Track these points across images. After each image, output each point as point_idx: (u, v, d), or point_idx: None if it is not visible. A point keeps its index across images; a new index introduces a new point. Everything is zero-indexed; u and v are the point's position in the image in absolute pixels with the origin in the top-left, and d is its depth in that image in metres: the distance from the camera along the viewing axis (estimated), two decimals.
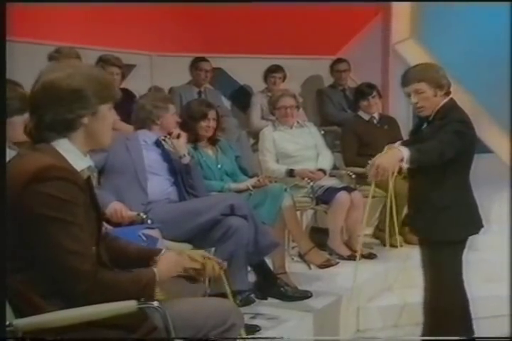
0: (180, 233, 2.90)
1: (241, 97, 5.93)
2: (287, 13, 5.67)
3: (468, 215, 2.79)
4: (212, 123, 3.59)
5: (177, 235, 2.88)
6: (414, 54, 5.73)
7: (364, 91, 4.65)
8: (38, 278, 1.64)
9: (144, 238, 2.63)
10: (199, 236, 2.92)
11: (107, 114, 1.78)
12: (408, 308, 3.36)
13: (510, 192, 4.53)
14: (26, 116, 1.83)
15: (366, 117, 4.67)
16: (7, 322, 1.60)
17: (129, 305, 1.67)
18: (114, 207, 2.89)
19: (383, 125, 4.66)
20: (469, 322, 2.84)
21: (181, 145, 3.23)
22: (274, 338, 2.76)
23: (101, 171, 3.09)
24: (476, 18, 5.63)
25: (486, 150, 5.51)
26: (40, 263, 1.63)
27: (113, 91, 1.79)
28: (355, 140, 4.53)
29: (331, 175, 4.35)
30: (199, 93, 5.35)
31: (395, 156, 2.55)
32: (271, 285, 3.23)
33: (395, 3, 5.91)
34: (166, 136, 3.26)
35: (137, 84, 4.88)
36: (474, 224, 2.82)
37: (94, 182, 1.90)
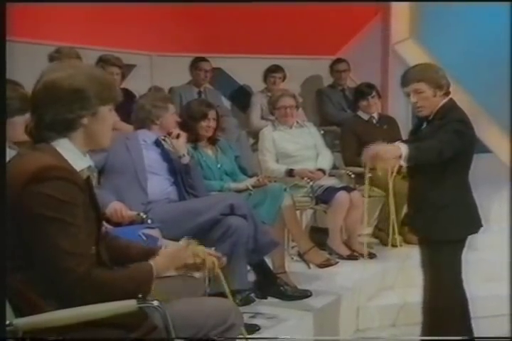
0: (180, 232, 2.89)
1: (241, 97, 5.94)
2: (287, 13, 5.67)
3: (467, 215, 2.79)
4: (212, 123, 3.59)
5: (177, 235, 2.87)
6: (413, 54, 5.73)
7: (363, 91, 4.66)
8: (37, 278, 1.64)
9: (144, 237, 2.64)
10: (199, 236, 2.89)
11: (107, 115, 1.78)
12: (407, 308, 3.37)
13: (510, 192, 4.54)
14: (27, 116, 1.84)
15: (365, 117, 4.68)
16: (7, 322, 1.61)
17: (129, 305, 1.67)
18: (114, 207, 2.89)
19: (382, 125, 4.67)
20: (468, 321, 2.84)
21: (181, 145, 3.24)
22: (274, 338, 2.77)
23: (101, 171, 3.09)
24: (475, 18, 5.63)
25: (486, 150, 5.52)
26: (39, 263, 1.63)
27: (114, 92, 1.79)
28: (354, 140, 4.53)
29: (331, 175, 4.36)
30: (199, 93, 5.35)
31: (394, 150, 2.55)
32: (270, 285, 3.23)
33: (394, 3, 5.92)
34: (165, 136, 3.27)
35: (137, 84, 4.89)
36: (473, 223, 2.83)
37: (94, 182, 1.90)
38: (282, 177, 4.09)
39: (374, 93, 4.64)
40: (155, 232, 2.75)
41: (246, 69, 5.78)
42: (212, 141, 3.69)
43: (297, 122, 4.34)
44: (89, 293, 1.64)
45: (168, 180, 3.16)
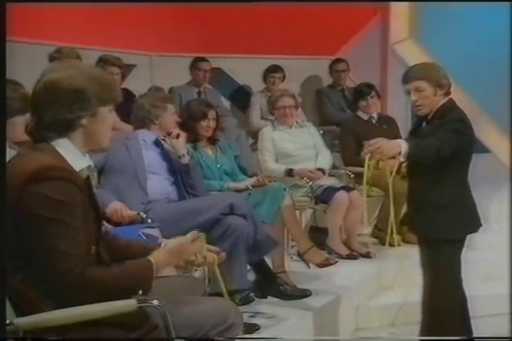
0: (180, 232, 2.87)
1: (240, 97, 5.95)
2: (286, 14, 5.68)
3: (466, 214, 2.80)
4: (212, 123, 3.60)
5: (177, 234, 2.86)
6: (412, 54, 5.74)
7: (363, 91, 4.67)
8: (36, 278, 1.64)
9: (144, 237, 2.64)
10: None
11: (107, 115, 1.77)
12: (407, 307, 3.37)
13: (510, 192, 4.55)
14: (27, 116, 1.84)
15: (365, 117, 4.69)
16: (8, 321, 1.61)
17: (129, 304, 1.67)
18: (114, 207, 2.90)
19: (382, 125, 4.68)
20: (467, 320, 2.85)
21: (180, 145, 3.24)
22: (274, 338, 2.77)
23: (101, 171, 3.09)
24: (474, 19, 5.63)
25: (485, 149, 5.53)
26: (37, 263, 1.63)
27: (114, 93, 1.79)
28: (354, 140, 4.54)
29: (330, 175, 4.36)
30: (199, 93, 5.36)
31: (395, 145, 2.56)
32: (270, 284, 3.23)
33: (393, 4, 5.92)
34: (165, 136, 3.28)
35: (137, 84, 4.89)
36: (473, 223, 2.83)
37: (94, 181, 1.90)
38: (282, 176, 4.10)
39: (373, 93, 4.65)
40: (155, 232, 2.75)
41: (246, 69, 5.79)
42: (212, 140, 3.69)
43: (297, 122, 4.35)
44: (89, 292, 1.64)
45: (168, 180, 3.17)
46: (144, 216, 2.90)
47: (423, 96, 2.74)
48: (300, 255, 3.77)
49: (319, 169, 4.19)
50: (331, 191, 4.03)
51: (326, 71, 5.82)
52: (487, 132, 5.54)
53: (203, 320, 1.84)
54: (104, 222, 2.72)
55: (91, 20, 5.09)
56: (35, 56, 4.21)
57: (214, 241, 2.84)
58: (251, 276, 3.22)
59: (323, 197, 4.05)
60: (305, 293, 3.27)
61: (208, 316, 1.85)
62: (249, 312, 2.95)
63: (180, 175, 3.20)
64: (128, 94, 4.31)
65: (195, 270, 2.68)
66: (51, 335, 1.63)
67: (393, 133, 4.56)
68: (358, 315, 3.58)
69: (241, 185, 3.57)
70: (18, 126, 2.17)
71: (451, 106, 2.78)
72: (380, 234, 4.28)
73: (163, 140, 3.27)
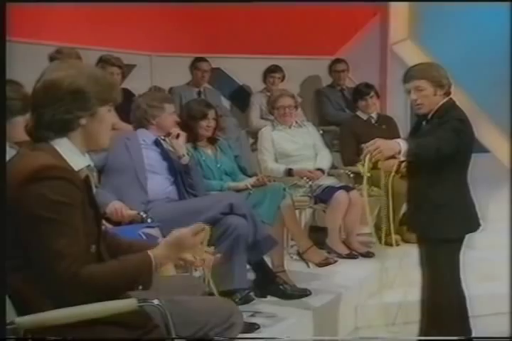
0: None
1: (240, 97, 5.95)
2: (286, 14, 5.68)
3: (465, 214, 2.81)
4: (212, 123, 3.61)
5: None
6: (412, 54, 5.75)
7: (362, 91, 4.68)
8: (36, 277, 1.64)
9: (144, 237, 2.65)
10: None
11: (106, 115, 1.77)
12: (406, 306, 3.38)
13: (510, 192, 4.56)
14: (28, 115, 1.85)
15: (364, 117, 4.70)
16: (9, 320, 1.61)
17: (130, 304, 1.67)
18: (115, 206, 2.90)
19: (381, 124, 4.69)
20: (466, 319, 2.85)
21: (180, 145, 3.25)
22: (274, 338, 2.78)
23: (101, 170, 3.10)
24: (473, 19, 5.64)
25: (484, 149, 5.54)
26: (36, 263, 1.63)
27: (114, 93, 1.78)
28: (353, 139, 4.55)
29: (330, 175, 4.38)
30: (199, 93, 5.37)
31: (395, 145, 2.57)
32: (270, 284, 3.24)
33: (393, 4, 5.93)
34: (165, 136, 3.28)
35: (137, 84, 4.89)
36: (472, 222, 2.84)
37: (94, 181, 1.90)
38: (281, 176, 4.11)
39: (372, 93, 4.66)
40: (155, 231, 2.76)
41: (245, 69, 5.80)
42: (212, 140, 3.70)
43: (296, 122, 4.36)
44: (87, 290, 1.63)
45: (168, 180, 3.18)
46: (144, 215, 2.91)
47: (423, 95, 2.75)
48: (300, 254, 3.78)
49: (319, 169, 4.21)
50: (330, 191, 4.05)
51: (326, 71, 5.82)
52: (486, 132, 5.55)
53: (204, 319, 1.84)
54: (104, 222, 2.74)
55: (91, 20, 5.10)
56: (35, 56, 4.21)
57: (214, 240, 2.85)
58: (251, 276, 3.23)
59: (323, 196, 4.06)
60: (304, 293, 3.28)
61: (210, 315, 1.86)
62: (249, 311, 2.96)
63: (181, 174, 3.21)
64: (128, 94, 4.32)
65: (195, 270, 2.69)
66: (51, 334, 1.63)
67: (392, 133, 4.57)
68: (357, 314, 3.59)
69: (241, 184, 3.58)
70: (19, 126, 2.16)
71: (451, 106, 2.79)
72: (379, 233, 4.29)
73: (164, 140, 3.28)
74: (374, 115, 4.70)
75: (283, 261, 3.46)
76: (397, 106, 5.62)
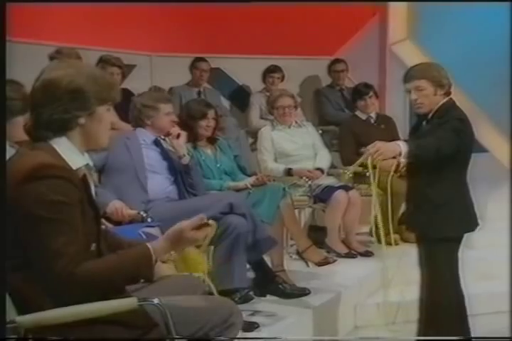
0: None
1: (240, 97, 5.96)
2: (285, 14, 5.69)
3: (464, 213, 2.82)
4: (212, 123, 3.62)
5: None
6: (411, 54, 5.76)
7: (361, 91, 4.69)
8: (35, 277, 1.64)
9: (144, 236, 2.65)
10: None
11: (105, 114, 1.77)
12: (406, 305, 3.39)
13: (510, 192, 4.57)
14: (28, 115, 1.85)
15: (363, 117, 4.71)
16: (10, 319, 1.61)
17: (130, 303, 1.67)
18: (115, 206, 2.91)
19: (380, 124, 4.70)
20: (465, 318, 2.86)
21: (181, 145, 3.25)
22: (274, 338, 2.78)
23: (102, 170, 3.11)
24: (473, 19, 5.65)
25: (483, 149, 5.55)
26: (35, 262, 1.63)
27: (113, 93, 1.78)
28: (352, 139, 4.56)
29: (329, 174, 4.39)
30: (198, 93, 5.38)
31: (395, 147, 2.58)
32: (269, 283, 3.24)
33: (392, 4, 5.94)
34: (165, 136, 3.29)
35: (137, 84, 4.90)
36: (470, 222, 2.85)
37: (94, 180, 1.89)
38: (281, 176, 4.12)
39: (372, 93, 4.67)
40: (155, 231, 2.76)
41: (245, 69, 5.81)
42: (212, 140, 3.71)
43: (296, 122, 4.37)
44: (86, 288, 1.63)
45: (168, 179, 3.19)
46: (144, 215, 2.91)
47: (423, 95, 2.76)
48: (299, 254, 3.78)
49: (318, 168, 4.22)
50: (329, 190, 4.06)
51: (325, 71, 5.83)
52: (485, 132, 5.56)
53: (205, 318, 1.84)
54: (105, 221, 2.75)
55: (91, 20, 5.10)
56: (35, 56, 4.22)
57: (213, 240, 2.86)
58: (250, 275, 3.23)
59: (322, 196, 4.07)
60: (304, 292, 3.28)
61: (209, 314, 1.86)
62: (249, 310, 2.97)
63: (181, 174, 3.21)
64: (128, 94, 4.33)
65: None
66: (51, 333, 1.64)
67: (391, 133, 4.59)
68: (356, 313, 3.60)
69: (241, 184, 3.58)
70: (20, 125, 2.17)
71: (451, 106, 2.80)
72: (377, 232, 4.30)
73: (164, 140, 3.28)
74: (373, 115, 4.71)
75: (282, 260, 3.46)
76: (396, 106, 5.64)
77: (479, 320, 3.03)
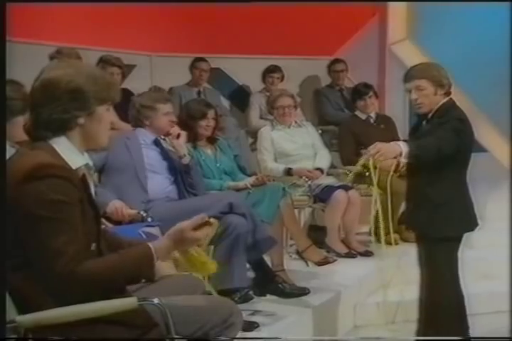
0: None
1: (240, 97, 5.97)
2: (285, 14, 5.70)
3: (464, 213, 2.83)
4: (211, 123, 3.62)
5: None
6: (410, 54, 5.77)
7: (361, 91, 4.70)
8: (36, 276, 1.64)
9: (144, 236, 2.65)
10: None
11: (104, 114, 1.77)
12: (405, 304, 3.40)
13: (510, 192, 4.57)
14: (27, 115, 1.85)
15: (363, 117, 4.71)
16: (10, 318, 1.61)
17: (130, 302, 1.67)
18: (115, 206, 2.91)
19: (380, 124, 4.71)
20: (465, 318, 2.87)
21: (181, 144, 3.25)
22: (274, 338, 2.79)
23: (102, 170, 3.11)
24: (472, 19, 5.65)
25: (483, 149, 5.55)
26: (35, 262, 1.63)
27: (112, 92, 1.77)
28: (352, 139, 4.57)
29: (329, 174, 4.39)
30: (198, 93, 5.39)
31: (395, 147, 2.59)
32: (269, 282, 3.25)
33: (391, 4, 5.95)
34: (165, 136, 3.29)
35: (137, 84, 4.90)
36: (470, 221, 2.86)
37: (94, 180, 1.89)
38: (281, 176, 4.13)
39: (371, 93, 4.68)
40: (155, 230, 2.76)
41: (245, 70, 5.82)
42: (212, 140, 3.71)
43: (295, 122, 4.38)
44: (87, 287, 1.63)
45: (168, 179, 3.19)
46: (144, 215, 2.92)
47: (423, 95, 2.77)
48: (299, 253, 3.79)
49: (318, 168, 4.22)
50: (329, 190, 4.06)
51: (325, 71, 5.84)
52: (485, 132, 5.56)
53: (204, 318, 1.85)
54: (105, 221, 2.75)
55: (91, 20, 5.11)
56: (35, 56, 4.22)
57: (213, 240, 2.87)
58: (250, 274, 3.24)
59: (322, 196, 4.08)
60: (303, 291, 3.28)
61: (209, 314, 1.86)
62: (249, 310, 2.97)
63: (181, 174, 3.22)
64: (128, 94, 4.33)
65: None
66: (51, 333, 1.64)
67: (391, 133, 4.60)
68: (356, 312, 3.60)
69: (240, 184, 3.59)
70: (20, 125, 2.17)
71: (451, 106, 2.80)
72: (377, 232, 4.30)
73: (164, 140, 3.28)
74: (373, 115, 4.72)
75: (282, 260, 3.47)
76: (396, 106, 5.65)
77: (479, 319, 3.03)
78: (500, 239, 4.06)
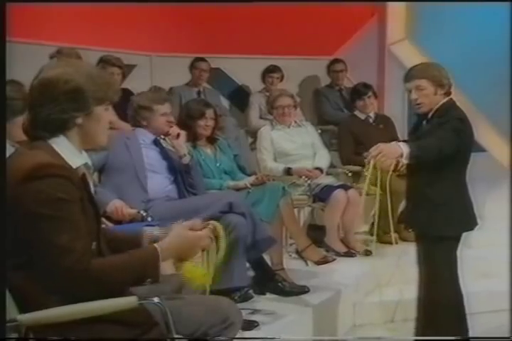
0: None
1: (239, 97, 5.98)
2: (285, 14, 5.71)
3: (463, 212, 2.83)
4: (211, 122, 3.63)
5: None
6: (409, 54, 5.77)
7: (360, 91, 4.71)
8: (39, 275, 1.63)
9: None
10: None
11: (103, 114, 1.76)
12: (405, 303, 3.41)
13: (510, 192, 4.58)
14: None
15: (362, 117, 4.72)
16: (11, 317, 1.61)
17: (130, 301, 1.67)
18: (115, 205, 2.92)
19: (379, 124, 4.72)
20: (463, 317, 2.87)
21: (181, 144, 3.26)
22: (273, 338, 2.79)
23: (102, 169, 3.12)
24: (471, 19, 5.66)
25: (482, 149, 5.56)
26: (38, 261, 1.63)
27: (111, 92, 1.77)
28: (351, 139, 4.59)
29: (328, 174, 4.40)
30: (198, 93, 5.39)
31: (396, 148, 2.59)
32: (269, 281, 3.26)
33: (390, 4, 5.96)
34: (165, 136, 3.30)
35: (137, 84, 4.91)
36: (469, 221, 2.86)
37: (94, 179, 1.90)
38: (280, 175, 4.13)
39: (370, 93, 4.68)
40: (155, 230, 2.77)
41: (245, 70, 5.82)
42: (211, 140, 3.72)
43: (295, 121, 4.38)
44: (97, 284, 1.63)
45: (168, 179, 3.20)
46: (144, 214, 2.92)
47: (423, 94, 2.77)
48: (298, 252, 3.79)
49: (317, 168, 4.23)
50: (328, 189, 4.07)
51: (324, 71, 5.85)
52: (484, 132, 5.57)
53: (204, 317, 1.85)
54: (105, 220, 2.76)
55: (91, 20, 5.11)
56: (35, 56, 4.22)
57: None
58: (250, 273, 3.25)
59: (321, 195, 4.09)
60: (303, 290, 3.29)
61: (209, 314, 1.86)
62: (249, 309, 2.98)
63: (180, 173, 3.22)
64: (128, 94, 4.34)
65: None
66: (52, 332, 1.64)
67: (390, 133, 4.61)
68: (355, 311, 3.61)
69: (240, 183, 3.59)
70: (20, 125, 2.19)
71: (451, 106, 2.81)
72: (377, 231, 4.31)
73: (163, 139, 3.29)
74: (372, 115, 4.73)
75: (282, 259, 3.47)
76: (395, 106, 5.65)
77: (479, 318, 3.04)
78: (499, 239, 4.06)
